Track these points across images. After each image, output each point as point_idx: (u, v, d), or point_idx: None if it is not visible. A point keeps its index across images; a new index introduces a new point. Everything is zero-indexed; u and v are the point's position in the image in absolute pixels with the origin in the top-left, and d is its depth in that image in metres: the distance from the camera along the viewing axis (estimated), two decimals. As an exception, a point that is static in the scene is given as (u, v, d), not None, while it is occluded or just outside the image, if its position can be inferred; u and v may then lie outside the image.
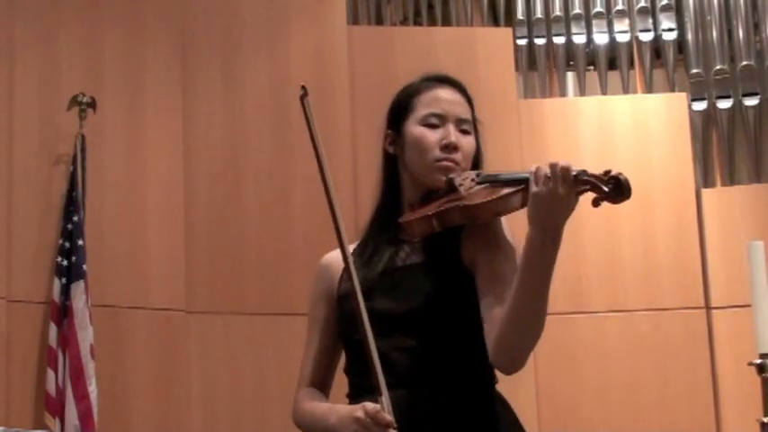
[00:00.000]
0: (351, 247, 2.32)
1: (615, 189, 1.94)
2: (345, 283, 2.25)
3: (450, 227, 2.14)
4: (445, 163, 2.22)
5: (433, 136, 2.24)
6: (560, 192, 1.94)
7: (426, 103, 2.28)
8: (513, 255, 2.15)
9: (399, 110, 2.32)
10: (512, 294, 2.02)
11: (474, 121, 2.32)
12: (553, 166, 1.95)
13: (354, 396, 2.23)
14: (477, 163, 2.32)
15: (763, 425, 3.83)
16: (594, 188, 1.96)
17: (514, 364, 2.09)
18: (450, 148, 2.23)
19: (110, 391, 4.90)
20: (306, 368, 2.36)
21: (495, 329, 2.06)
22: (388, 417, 2.03)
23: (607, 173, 1.97)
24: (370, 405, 2.05)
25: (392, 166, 2.33)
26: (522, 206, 2.05)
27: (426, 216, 2.14)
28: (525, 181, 2.03)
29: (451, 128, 2.25)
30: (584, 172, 1.97)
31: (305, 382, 2.36)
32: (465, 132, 2.27)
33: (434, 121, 2.26)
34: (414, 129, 2.27)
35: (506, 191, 2.06)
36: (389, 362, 2.13)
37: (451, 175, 2.19)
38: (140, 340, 5.15)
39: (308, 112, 2.16)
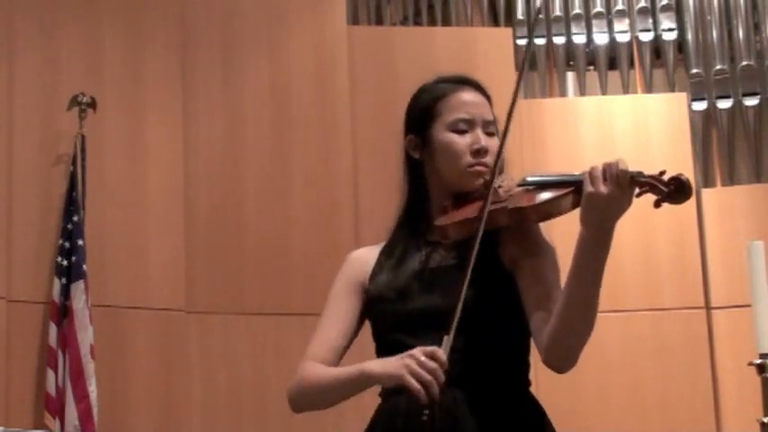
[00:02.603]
0: (376, 249, 2.32)
1: (677, 190, 1.94)
2: (378, 283, 2.24)
3: (492, 229, 2.12)
4: (477, 168, 2.21)
5: (463, 142, 2.23)
6: (617, 194, 1.97)
7: (453, 108, 2.26)
8: (553, 254, 2.17)
9: (422, 115, 2.30)
10: (564, 295, 2.02)
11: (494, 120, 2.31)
12: (609, 167, 1.98)
13: (387, 394, 2.20)
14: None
15: (763, 425, 3.83)
16: (654, 189, 1.96)
17: (568, 362, 2.12)
18: (481, 153, 2.22)
19: (110, 391, 4.91)
20: (316, 348, 2.30)
21: (547, 331, 2.06)
22: (444, 356, 1.99)
23: (663, 173, 1.97)
24: (426, 347, 2.02)
25: (417, 170, 2.30)
26: (574, 208, 2.04)
27: (468, 219, 2.12)
28: (573, 183, 2.04)
29: (480, 132, 2.24)
30: (640, 174, 1.98)
31: (311, 359, 2.30)
32: (490, 134, 2.27)
33: (463, 126, 2.24)
34: (443, 135, 2.25)
35: (557, 193, 2.05)
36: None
37: (488, 177, 2.17)
38: (140, 340, 5.15)
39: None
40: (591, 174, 2.00)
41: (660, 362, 5.67)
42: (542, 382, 6.02)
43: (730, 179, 6.15)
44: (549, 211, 2.07)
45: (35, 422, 4.71)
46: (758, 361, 3.83)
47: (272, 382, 5.22)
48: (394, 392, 2.14)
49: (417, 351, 2.00)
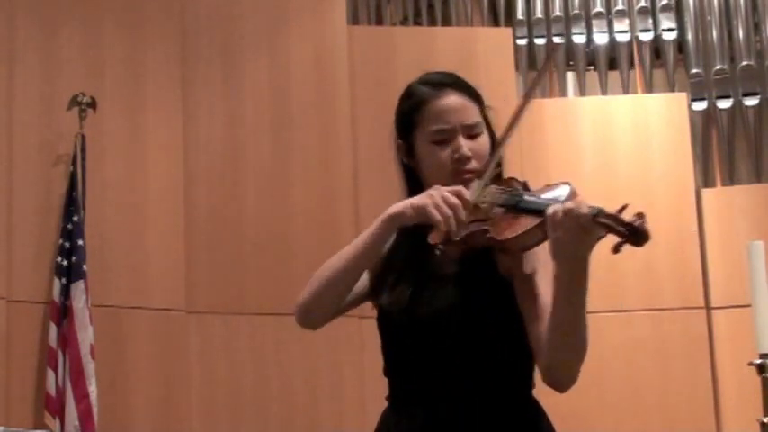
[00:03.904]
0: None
1: (634, 234, 1.90)
2: (382, 297, 2.19)
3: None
4: (462, 176, 2.17)
5: (443, 153, 2.18)
6: (581, 236, 1.93)
7: (431, 118, 2.21)
8: (549, 265, 2.10)
9: (405, 122, 2.27)
10: (550, 323, 2.02)
11: (484, 115, 2.27)
12: (569, 212, 1.93)
13: (394, 398, 2.19)
14: (493, 150, 2.27)
15: (763, 425, 3.83)
16: (613, 231, 1.92)
17: (565, 382, 2.09)
18: (462, 160, 2.17)
19: (110, 391, 4.91)
20: None
21: (542, 354, 2.05)
22: (468, 195, 2.01)
23: (623, 208, 1.93)
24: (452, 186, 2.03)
25: (412, 175, 2.27)
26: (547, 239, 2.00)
27: (455, 241, 2.08)
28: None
29: (461, 139, 2.19)
30: (600, 214, 1.92)
31: None
32: (475, 136, 2.22)
33: (442, 136, 2.19)
34: (423, 147, 2.21)
35: (530, 224, 2.00)
36: (430, 370, 2.12)
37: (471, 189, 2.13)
38: (140, 340, 5.15)
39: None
40: (552, 219, 1.94)
41: (660, 362, 5.67)
42: (542, 381, 6.01)
43: (730, 179, 6.15)
44: (526, 243, 2.02)
45: (35, 422, 4.71)
46: (758, 361, 3.84)
47: (272, 382, 5.22)
48: (407, 403, 2.13)
49: (442, 188, 2.03)
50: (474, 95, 2.28)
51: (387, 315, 2.20)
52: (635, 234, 1.88)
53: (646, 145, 5.94)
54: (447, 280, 2.15)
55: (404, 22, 6.46)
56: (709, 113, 6.22)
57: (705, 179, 6.14)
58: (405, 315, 2.15)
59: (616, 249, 1.91)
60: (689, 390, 5.63)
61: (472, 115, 2.23)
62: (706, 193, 5.96)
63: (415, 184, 2.26)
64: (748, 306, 4.00)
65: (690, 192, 5.91)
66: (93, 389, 4.73)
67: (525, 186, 2.17)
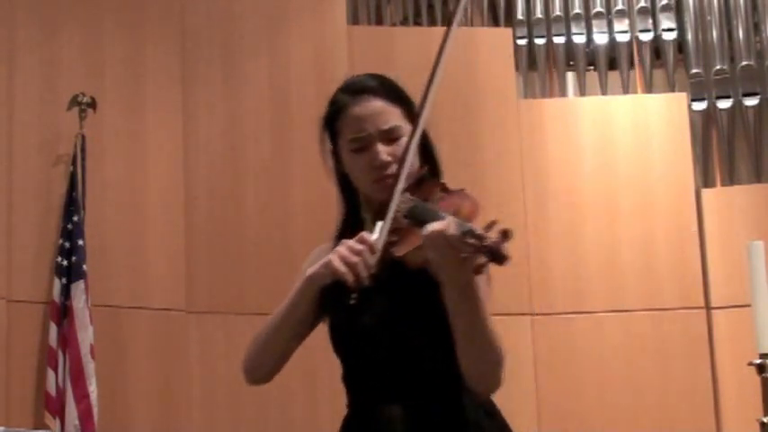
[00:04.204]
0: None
1: (491, 256, 1.83)
2: (327, 307, 2.18)
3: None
4: (384, 183, 2.14)
5: (362, 161, 2.17)
6: (453, 259, 1.88)
7: (347, 127, 2.19)
8: None
9: (329, 130, 2.26)
10: (455, 336, 1.99)
11: (411, 113, 2.19)
12: (438, 235, 1.87)
13: (353, 406, 2.21)
14: (428, 152, 2.25)
15: (762, 425, 3.83)
16: (478, 253, 1.85)
17: (485, 387, 2.05)
18: (381, 167, 2.14)
19: (110, 391, 4.91)
20: None
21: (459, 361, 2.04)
22: (372, 238, 2.01)
23: (492, 224, 1.85)
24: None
25: (346, 180, 2.26)
26: None
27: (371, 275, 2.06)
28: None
29: (378, 146, 2.15)
30: (468, 233, 1.83)
31: None
32: (395, 140, 2.17)
33: (360, 144, 2.17)
34: (346, 155, 2.21)
35: (418, 242, 1.95)
36: (374, 377, 2.14)
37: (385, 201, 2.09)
38: (140, 340, 5.15)
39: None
40: (426, 239, 1.91)
41: (660, 362, 5.67)
42: (542, 381, 6.04)
43: (730, 179, 6.15)
44: (415, 260, 2.00)
45: (35, 422, 4.71)
46: (758, 361, 3.84)
47: (271, 383, 5.21)
48: (362, 409, 2.16)
49: (347, 240, 2.04)
50: (396, 98, 2.22)
51: (335, 326, 2.22)
52: (493, 255, 1.83)
53: (646, 145, 5.94)
54: (385, 287, 2.11)
55: (404, 22, 6.46)
56: (710, 113, 6.22)
57: (705, 179, 6.14)
58: (349, 326, 2.17)
59: (478, 270, 1.88)
60: (689, 390, 5.63)
61: (390, 119, 2.18)
62: (706, 193, 5.96)
63: (350, 190, 2.26)
64: (748, 306, 4.00)
65: (690, 192, 5.91)
66: (93, 389, 4.73)
67: (443, 188, 2.14)
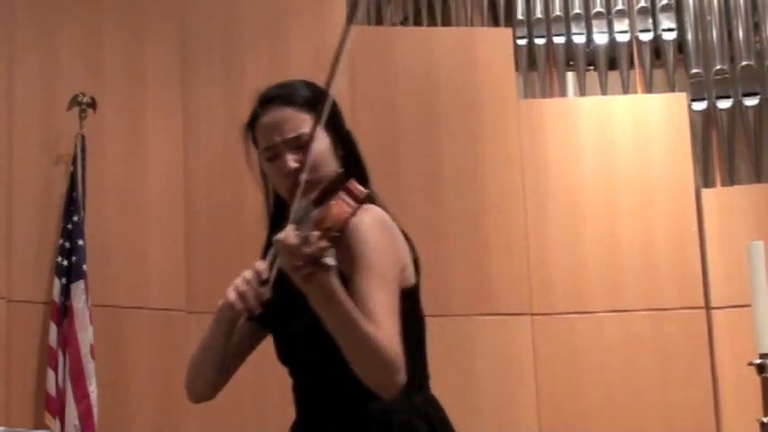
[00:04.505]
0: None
1: (314, 266, 1.88)
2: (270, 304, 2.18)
3: None
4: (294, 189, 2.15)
5: (275, 169, 2.20)
6: (295, 268, 1.88)
7: (259, 136, 2.25)
8: (367, 267, 2.04)
9: (251, 139, 2.31)
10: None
11: (320, 117, 2.17)
12: (279, 243, 1.90)
13: (296, 413, 2.29)
14: (351, 153, 2.26)
15: (762, 425, 3.83)
16: (306, 261, 1.89)
17: (377, 391, 2.01)
18: (290, 175, 2.14)
19: (110, 391, 4.91)
20: None
21: None
22: (262, 266, 2.06)
23: (324, 233, 1.90)
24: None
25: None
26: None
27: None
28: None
29: (286, 155, 2.18)
30: (305, 241, 1.87)
31: None
32: (302, 147, 2.14)
33: (271, 153, 2.21)
34: (263, 164, 2.25)
35: None
36: (299, 382, 2.24)
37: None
38: (140, 340, 5.15)
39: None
40: (273, 247, 1.98)
41: (660, 362, 5.68)
42: (543, 381, 6.03)
43: (730, 179, 6.15)
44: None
45: (35, 422, 4.71)
46: (758, 361, 3.84)
47: (271, 383, 5.22)
48: (299, 413, 2.27)
49: (245, 272, 2.12)
50: (306, 104, 2.23)
51: (274, 336, 2.29)
52: (315, 264, 1.87)
53: (646, 145, 5.94)
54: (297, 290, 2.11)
55: (404, 22, 6.46)
56: (710, 113, 6.23)
57: (705, 179, 6.14)
58: (281, 333, 2.25)
59: (307, 278, 1.89)
60: (689, 390, 5.63)
61: (298, 126, 2.19)
62: (706, 193, 5.96)
63: (274, 193, 2.30)
64: (748, 306, 4.00)
65: (690, 192, 5.91)
66: (93, 389, 4.73)
67: (348, 192, 2.10)
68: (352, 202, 2.03)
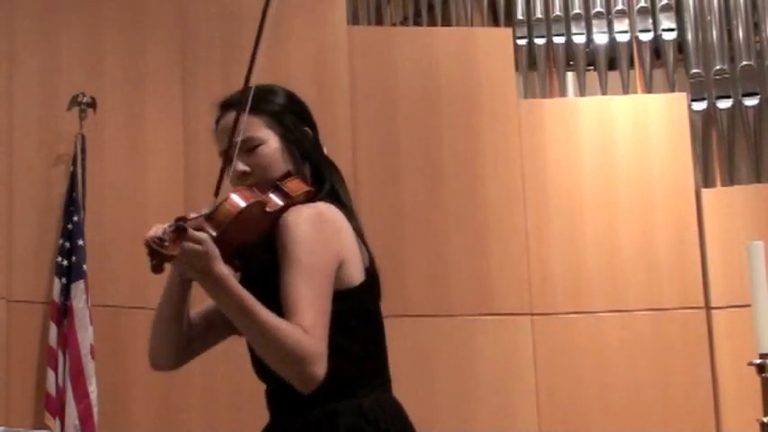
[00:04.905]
0: None
1: (158, 258, 2.00)
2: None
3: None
4: None
5: (230, 172, 2.27)
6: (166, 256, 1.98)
7: (217, 141, 2.37)
8: (291, 262, 2.07)
9: None
10: None
11: (278, 120, 2.28)
12: (150, 236, 1.99)
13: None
14: (308, 154, 2.32)
15: (763, 425, 3.83)
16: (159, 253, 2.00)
17: (297, 386, 2.04)
18: (239, 178, 2.25)
19: (110, 391, 4.91)
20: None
21: None
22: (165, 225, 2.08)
23: (179, 228, 2.06)
24: None
25: None
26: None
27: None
28: None
29: (235, 159, 2.27)
30: (164, 234, 2.01)
31: None
32: (252, 149, 2.26)
33: (225, 157, 2.29)
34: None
35: None
36: (266, 389, 2.31)
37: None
38: (140, 340, 5.12)
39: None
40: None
41: (660, 362, 5.68)
42: (542, 381, 6.02)
43: (730, 179, 6.15)
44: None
45: (35, 422, 4.71)
46: (758, 361, 3.84)
47: (272, 382, 5.23)
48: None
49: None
50: (257, 107, 2.29)
51: None
52: (160, 257, 1.99)
53: (646, 145, 5.94)
54: (254, 278, 2.20)
55: (404, 22, 6.46)
56: (709, 113, 6.23)
57: (705, 179, 6.14)
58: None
59: (155, 269, 2.01)
60: (689, 390, 5.63)
61: (245, 130, 2.26)
62: (706, 193, 5.96)
63: None
64: (748, 306, 4.00)
65: (690, 192, 5.91)
66: (93, 389, 4.73)
67: (275, 188, 2.21)
68: (279, 201, 2.13)
